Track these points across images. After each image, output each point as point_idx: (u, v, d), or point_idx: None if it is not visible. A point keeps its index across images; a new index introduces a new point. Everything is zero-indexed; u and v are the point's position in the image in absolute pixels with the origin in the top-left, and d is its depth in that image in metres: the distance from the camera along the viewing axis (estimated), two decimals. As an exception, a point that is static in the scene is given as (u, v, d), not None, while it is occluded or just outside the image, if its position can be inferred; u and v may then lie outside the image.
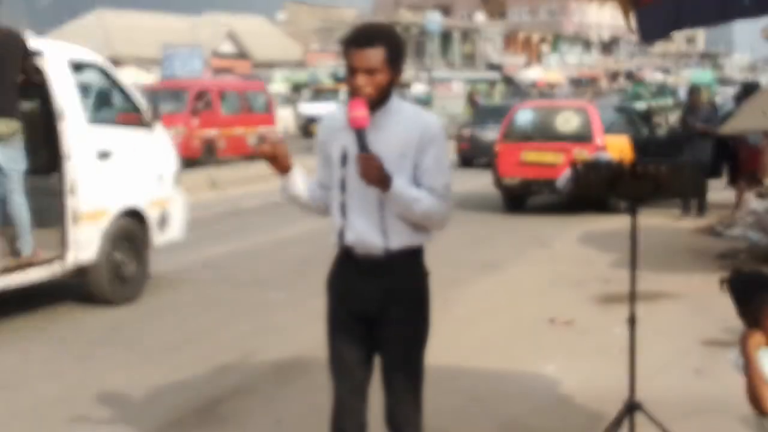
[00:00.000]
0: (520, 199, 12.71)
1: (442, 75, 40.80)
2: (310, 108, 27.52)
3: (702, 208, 11.41)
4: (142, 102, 7.65)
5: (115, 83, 7.53)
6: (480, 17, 69.81)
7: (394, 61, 2.89)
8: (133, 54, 38.87)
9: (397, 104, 2.98)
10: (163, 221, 7.51)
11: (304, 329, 6.15)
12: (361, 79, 2.85)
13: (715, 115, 11.85)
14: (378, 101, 2.90)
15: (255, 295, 7.50)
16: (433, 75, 39.73)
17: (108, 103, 7.69)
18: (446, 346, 5.70)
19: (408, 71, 54.93)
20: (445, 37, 61.25)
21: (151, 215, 7.37)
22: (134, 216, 7.17)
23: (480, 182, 14.64)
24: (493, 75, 59.88)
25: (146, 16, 43.50)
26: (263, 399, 4.94)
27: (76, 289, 6.97)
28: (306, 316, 6.45)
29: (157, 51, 36.95)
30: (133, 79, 31.73)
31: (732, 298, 2.89)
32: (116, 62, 36.73)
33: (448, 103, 27.91)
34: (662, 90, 41.35)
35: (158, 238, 7.47)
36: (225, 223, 11.65)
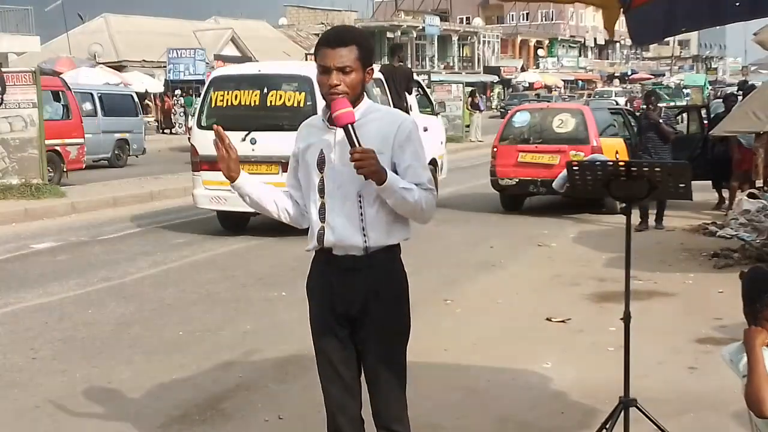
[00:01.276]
0: (517, 199, 12.81)
1: (440, 78, 40.84)
2: None
3: (644, 215, 10.67)
4: (432, 100, 14.66)
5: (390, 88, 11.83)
6: (478, 22, 69.85)
7: (366, 60, 2.93)
8: (138, 57, 38.92)
9: (369, 104, 3.02)
10: (442, 166, 13.27)
11: (304, 327, 6.11)
12: (336, 78, 2.87)
13: (670, 118, 11.75)
14: (352, 101, 2.91)
15: (257, 294, 7.57)
16: (432, 78, 39.78)
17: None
18: (445, 343, 5.80)
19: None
20: (444, 41, 61.32)
21: (439, 163, 13.04)
22: (432, 163, 12.06)
23: (478, 183, 14.73)
24: (491, 78, 60.03)
25: (151, 20, 43.55)
26: (265, 395, 4.98)
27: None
28: (306, 314, 6.51)
29: (161, 54, 37.02)
30: (137, 81, 31.89)
31: (742, 293, 2.83)
32: (121, 66, 36.79)
33: (447, 105, 27.82)
34: (678, 92, 43.79)
35: (441, 175, 13.14)
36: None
